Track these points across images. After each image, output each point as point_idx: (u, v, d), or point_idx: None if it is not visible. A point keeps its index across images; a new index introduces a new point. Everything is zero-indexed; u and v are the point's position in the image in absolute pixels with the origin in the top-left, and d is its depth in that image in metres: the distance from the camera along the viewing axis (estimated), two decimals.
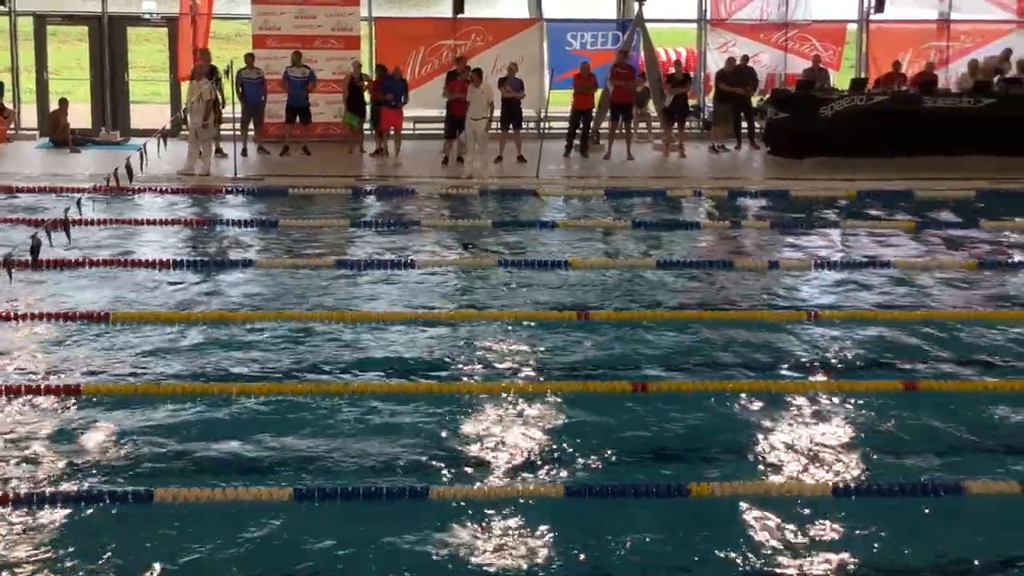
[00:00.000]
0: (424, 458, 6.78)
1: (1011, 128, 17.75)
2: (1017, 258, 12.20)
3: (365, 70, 20.07)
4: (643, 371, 8.43)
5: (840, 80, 21.20)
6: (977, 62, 20.70)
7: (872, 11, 21.97)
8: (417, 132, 21.05)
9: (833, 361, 8.80)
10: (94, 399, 7.37)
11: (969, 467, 6.81)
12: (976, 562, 5.79)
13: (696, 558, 5.81)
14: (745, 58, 20.37)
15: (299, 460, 6.69)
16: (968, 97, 18.57)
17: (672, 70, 19.95)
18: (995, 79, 19.68)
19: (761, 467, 6.91)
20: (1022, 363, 8.78)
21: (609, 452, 7.01)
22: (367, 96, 19.19)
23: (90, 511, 5.87)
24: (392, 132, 19.11)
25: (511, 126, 18.40)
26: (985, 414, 7.69)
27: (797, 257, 11.97)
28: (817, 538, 6.03)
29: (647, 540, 5.94)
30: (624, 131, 19.13)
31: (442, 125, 19.16)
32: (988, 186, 15.61)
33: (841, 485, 6.54)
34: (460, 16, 20.94)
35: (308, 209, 14.11)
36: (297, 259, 11.60)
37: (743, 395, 7.92)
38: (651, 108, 20.71)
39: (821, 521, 6.17)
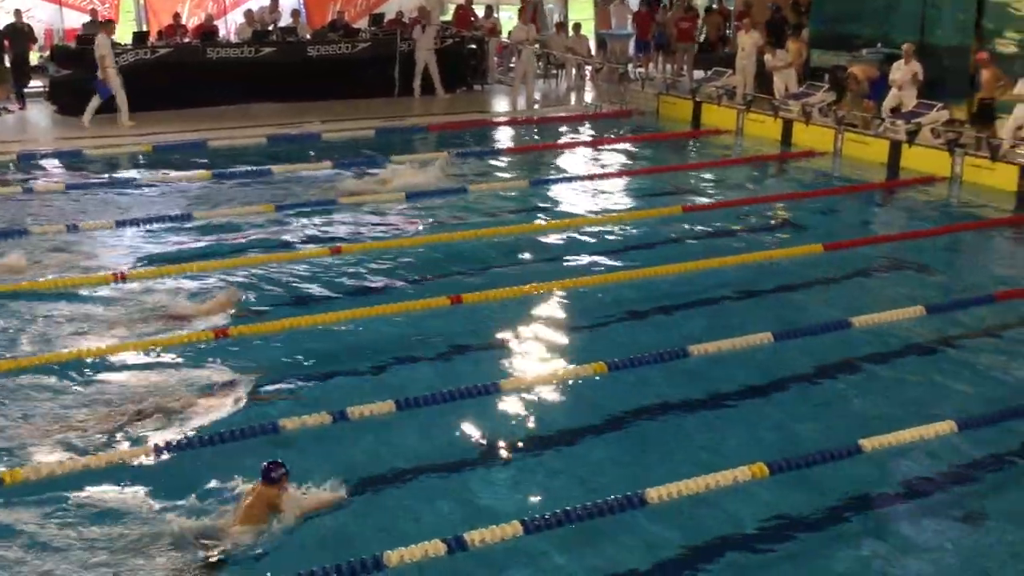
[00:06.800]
0: None
1: (290, 75, 18.65)
2: (307, 202, 12.94)
3: None
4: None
5: (122, 34, 20.80)
6: (252, 12, 21.41)
7: None
8: None
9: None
10: None
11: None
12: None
13: None
14: (18, 12, 19.18)
15: None
16: (249, 47, 19.12)
17: None
18: (271, 28, 20.51)
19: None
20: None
21: None
22: None
23: None
24: None
25: None
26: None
27: (100, 219, 11.63)
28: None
29: None
30: None
31: None
32: (277, 132, 16.39)
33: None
34: None
35: None
36: None
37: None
38: None
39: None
